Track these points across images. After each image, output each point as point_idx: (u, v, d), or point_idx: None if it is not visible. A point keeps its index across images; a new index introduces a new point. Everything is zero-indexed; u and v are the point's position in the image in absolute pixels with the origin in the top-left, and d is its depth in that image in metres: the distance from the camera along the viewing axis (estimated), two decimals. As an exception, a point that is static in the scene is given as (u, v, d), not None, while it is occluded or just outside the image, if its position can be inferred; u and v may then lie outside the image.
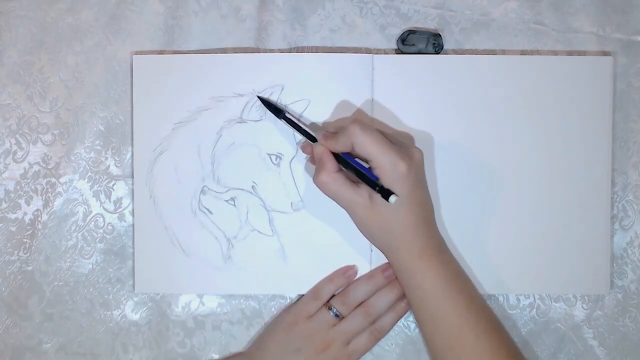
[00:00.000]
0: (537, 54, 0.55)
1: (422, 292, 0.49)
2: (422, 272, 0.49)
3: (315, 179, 0.49)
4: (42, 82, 0.55)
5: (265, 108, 0.53)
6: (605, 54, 0.55)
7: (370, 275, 0.54)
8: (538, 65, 0.54)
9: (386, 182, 0.48)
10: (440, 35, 0.54)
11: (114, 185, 0.56)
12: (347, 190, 0.49)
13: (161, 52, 0.56)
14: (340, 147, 0.49)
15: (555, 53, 0.55)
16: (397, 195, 0.47)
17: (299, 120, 0.52)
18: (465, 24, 0.56)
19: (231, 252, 0.54)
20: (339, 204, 0.50)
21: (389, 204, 0.47)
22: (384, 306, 0.53)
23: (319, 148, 0.50)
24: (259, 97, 0.53)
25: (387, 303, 0.53)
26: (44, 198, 0.55)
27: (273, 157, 0.54)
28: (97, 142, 0.56)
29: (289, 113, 0.53)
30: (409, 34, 0.54)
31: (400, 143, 0.50)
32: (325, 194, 0.50)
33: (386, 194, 0.47)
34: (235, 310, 0.56)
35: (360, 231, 0.51)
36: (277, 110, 0.53)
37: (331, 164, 0.49)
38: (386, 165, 0.47)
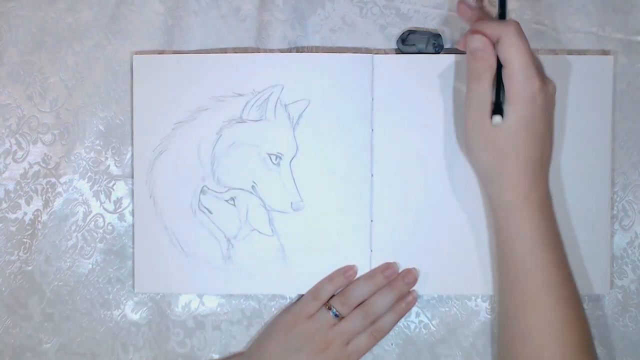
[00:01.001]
0: (537, 53, 0.55)
1: (514, 237, 0.47)
2: (521, 215, 0.47)
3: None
4: (42, 82, 0.56)
5: (266, 103, 0.54)
6: (605, 53, 0.55)
7: (370, 275, 0.54)
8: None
9: (510, 95, 0.45)
10: (440, 35, 0.54)
11: (114, 185, 0.56)
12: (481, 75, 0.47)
13: (161, 52, 0.56)
14: (483, 30, 0.46)
15: (555, 53, 0.55)
16: (502, 118, 0.45)
17: None
18: (465, 24, 0.56)
19: (231, 252, 0.54)
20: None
21: (498, 123, 0.45)
22: (383, 306, 0.53)
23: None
24: None
25: (387, 303, 0.53)
26: (44, 198, 0.55)
27: (273, 157, 0.54)
28: (97, 142, 0.56)
29: None
30: (409, 34, 0.54)
31: (542, 66, 0.48)
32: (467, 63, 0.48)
33: (496, 110, 0.45)
34: (235, 310, 0.56)
35: (467, 145, 0.49)
36: None
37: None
38: (519, 76, 0.45)
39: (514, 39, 0.45)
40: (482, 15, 0.52)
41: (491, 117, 0.46)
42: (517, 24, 0.46)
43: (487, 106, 0.47)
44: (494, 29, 0.46)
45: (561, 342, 0.46)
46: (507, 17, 0.49)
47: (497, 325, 0.51)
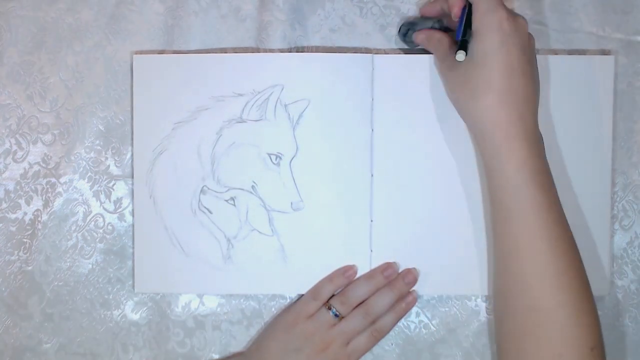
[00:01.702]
0: (537, 53, 0.55)
1: (503, 178, 0.46)
2: (507, 153, 0.45)
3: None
4: (42, 82, 0.56)
5: (266, 103, 0.54)
6: (605, 53, 0.55)
7: (369, 275, 0.54)
8: (539, 64, 0.54)
9: (476, 26, 0.46)
10: (442, 20, 0.53)
11: (114, 185, 0.56)
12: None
13: (161, 52, 0.56)
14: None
15: (555, 53, 0.55)
16: (465, 53, 0.46)
17: None
18: (465, 24, 0.56)
19: (231, 252, 0.54)
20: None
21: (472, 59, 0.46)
22: (383, 306, 0.53)
23: None
24: None
25: (387, 303, 0.53)
26: (44, 198, 0.55)
27: (273, 157, 0.54)
28: (97, 142, 0.56)
29: None
30: (408, 29, 0.54)
31: (513, 10, 0.47)
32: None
33: (460, 47, 0.46)
34: (235, 310, 0.56)
35: (449, 95, 0.50)
36: None
37: None
38: (483, 4, 0.46)
39: None
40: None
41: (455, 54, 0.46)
42: None
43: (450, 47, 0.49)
44: None
45: (556, 289, 0.44)
46: None
47: (492, 277, 0.50)
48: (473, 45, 0.46)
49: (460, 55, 0.46)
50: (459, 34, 0.47)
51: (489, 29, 0.45)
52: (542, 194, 0.45)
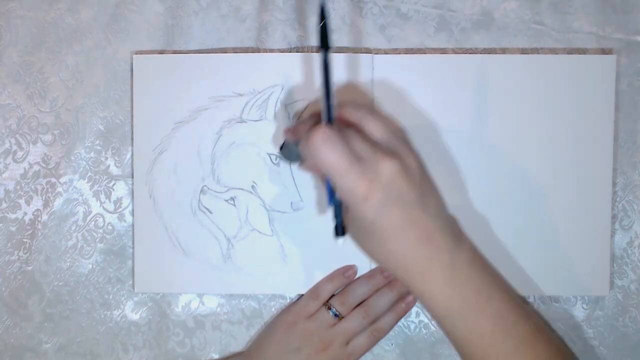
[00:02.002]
0: (537, 53, 0.55)
1: (437, 317, 0.43)
2: (429, 298, 0.42)
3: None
4: (42, 82, 0.56)
5: (266, 103, 0.54)
6: (606, 52, 0.55)
7: (369, 275, 0.54)
8: (540, 64, 0.54)
9: (350, 207, 0.40)
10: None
11: (114, 185, 0.56)
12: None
13: (161, 52, 0.56)
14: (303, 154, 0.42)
15: (555, 53, 0.55)
16: (344, 237, 0.41)
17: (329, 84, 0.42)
18: (465, 24, 0.56)
19: (231, 251, 0.54)
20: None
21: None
22: (383, 306, 0.53)
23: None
24: (321, 18, 0.42)
25: (387, 303, 0.53)
26: (44, 198, 0.55)
27: (273, 157, 0.54)
28: (97, 142, 0.56)
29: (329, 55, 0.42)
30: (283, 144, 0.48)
31: (373, 152, 0.40)
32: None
33: (338, 230, 0.41)
34: (235, 310, 0.56)
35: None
36: (327, 38, 0.41)
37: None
38: (343, 189, 0.39)
39: (319, 153, 0.39)
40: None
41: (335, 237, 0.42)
42: (319, 130, 0.39)
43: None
44: (303, 151, 0.41)
45: None
46: (331, 46, 0.42)
47: None
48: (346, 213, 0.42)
49: (340, 240, 0.42)
50: (330, 200, 0.42)
51: (359, 210, 0.40)
52: (480, 316, 0.42)
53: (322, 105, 0.40)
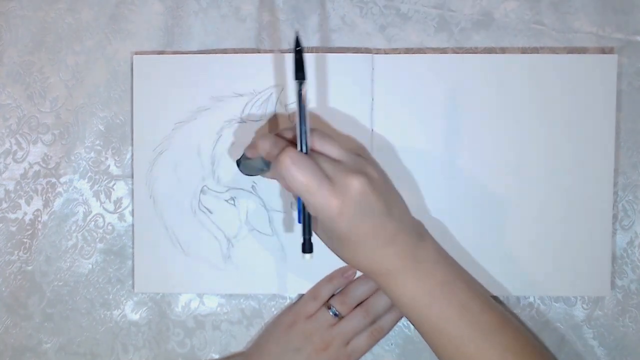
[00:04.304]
0: (537, 53, 0.55)
1: (406, 311, 0.46)
2: (398, 292, 0.46)
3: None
4: (42, 82, 0.56)
5: (266, 103, 0.54)
6: (607, 52, 0.55)
7: (370, 275, 0.54)
8: (540, 64, 0.54)
9: (320, 223, 0.44)
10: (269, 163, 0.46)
11: (114, 185, 0.56)
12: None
13: (161, 52, 0.56)
14: (271, 175, 0.46)
15: (555, 53, 0.55)
16: (311, 254, 0.45)
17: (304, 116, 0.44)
18: (465, 24, 0.56)
19: (231, 251, 0.54)
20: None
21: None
22: (383, 306, 0.53)
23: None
24: (296, 50, 0.44)
25: (387, 303, 0.53)
26: (44, 198, 0.55)
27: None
28: (97, 142, 0.56)
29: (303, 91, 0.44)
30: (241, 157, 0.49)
31: (340, 171, 0.43)
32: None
33: (305, 246, 0.45)
34: (235, 310, 0.56)
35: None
36: (301, 70, 0.44)
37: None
38: (316, 207, 0.42)
39: (288, 173, 0.42)
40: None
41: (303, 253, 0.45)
42: (286, 152, 0.42)
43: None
44: (272, 172, 0.45)
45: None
46: (306, 78, 0.44)
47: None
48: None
49: (308, 256, 0.45)
50: (300, 218, 0.45)
51: (331, 224, 0.43)
52: (447, 306, 0.45)
53: (297, 134, 0.44)
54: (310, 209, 0.44)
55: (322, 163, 0.43)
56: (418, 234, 0.47)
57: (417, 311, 0.46)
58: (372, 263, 0.45)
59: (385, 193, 0.45)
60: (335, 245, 0.46)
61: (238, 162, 0.50)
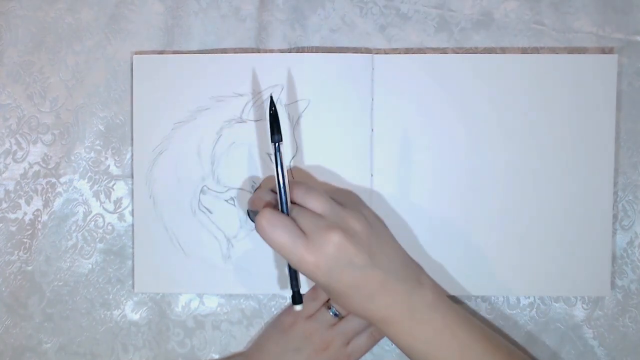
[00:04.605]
0: (537, 53, 0.55)
1: (405, 353, 0.47)
2: (394, 338, 0.47)
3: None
4: (42, 82, 0.56)
5: (266, 103, 0.54)
6: (607, 52, 0.55)
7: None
8: (541, 64, 0.54)
9: (304, 275, 0.45)
10: None
11: (114, 185, 0.56)
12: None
13: (161, 52, 0.56)
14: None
15: (555, 53, 0.55)
16: (301, 305, 0.48)
17: (283, 169, 0.46)
18: (465, 24, 0.56)
19: (231, 251, 0.54)
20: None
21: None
22: (383, 306, 0.53)
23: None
24: (270, 113, 0.47)
25: (387, 303, 0.53)
26: (44, 198, 0.55)
27: (273, 157, 0.54)
28: (97, 142, 0.56)
29: (281, 147, 0.46)
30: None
31: (318, 227, 0.44)
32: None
33: (295, 298, 0.47)
34: (235, 310, 0.56)
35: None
36: (276, 132, 0.46)
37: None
38: (294, 263, 0.44)
39: (265, 234, 0.44)
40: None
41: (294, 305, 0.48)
42: (262, 214, 0.44)
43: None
44: (256, 230, 0.45)
45: None
46: (280, 137, 0.46)
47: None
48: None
49: (298, 308, 0.48)
50: (288, 271, 0.48)
51: (313, 279, 0.44)
52: (446, 352, 0.46)
53: (278, 194, 0.46)
54: (291, 265, 0.46)
55: (301, 219, 0.44)
56: (414, 279, 0.47)
57: (415, 355, 0.46)
58: (364, 311, 0.46)
59: (370, 243, 0.45)
60: (327, 293, 0.47)
61: (248, 212, 0.54)
